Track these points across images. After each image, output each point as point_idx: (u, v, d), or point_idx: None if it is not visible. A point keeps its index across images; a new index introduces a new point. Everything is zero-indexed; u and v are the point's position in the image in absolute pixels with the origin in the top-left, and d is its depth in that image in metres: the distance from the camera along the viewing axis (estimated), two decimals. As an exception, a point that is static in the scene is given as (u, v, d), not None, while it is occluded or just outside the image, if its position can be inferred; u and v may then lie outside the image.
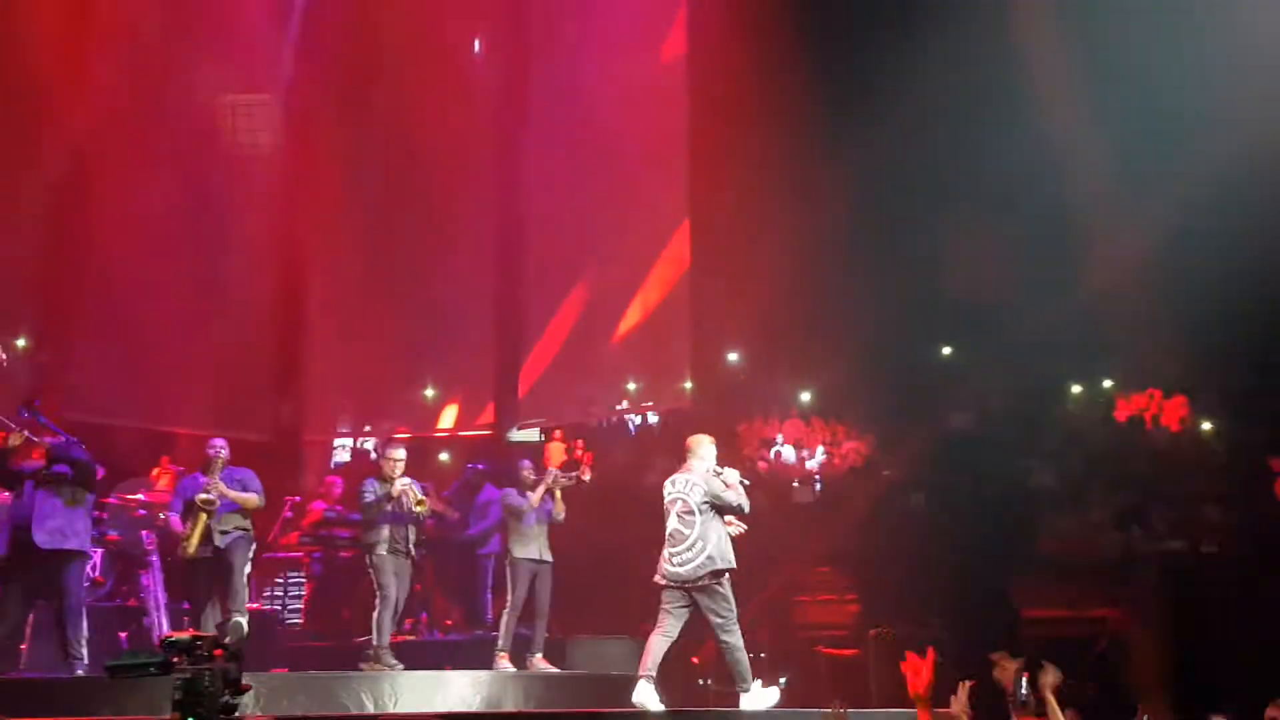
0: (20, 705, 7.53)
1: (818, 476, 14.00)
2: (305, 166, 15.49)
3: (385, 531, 9.32)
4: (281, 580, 11.84)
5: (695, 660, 12.31)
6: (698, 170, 14.29)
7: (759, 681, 8.26)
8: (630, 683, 10.17)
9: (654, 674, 8.06)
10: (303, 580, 11.85)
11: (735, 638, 8.09)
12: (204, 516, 8.92)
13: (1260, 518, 12.67)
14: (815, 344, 13.81)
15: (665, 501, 8.15)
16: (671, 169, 14.49)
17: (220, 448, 9.23)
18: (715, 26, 14.32)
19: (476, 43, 16.51)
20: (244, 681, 4.68)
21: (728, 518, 8.18)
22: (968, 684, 5.51)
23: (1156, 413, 13.34)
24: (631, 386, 15.21)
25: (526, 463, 10.35)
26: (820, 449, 14.10)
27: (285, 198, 15.46)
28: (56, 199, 13.98)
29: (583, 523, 10.70)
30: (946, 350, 14.41)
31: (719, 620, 8.03)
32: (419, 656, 9.83)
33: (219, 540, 8.96)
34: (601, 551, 12.46)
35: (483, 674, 9.31)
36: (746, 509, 8.22)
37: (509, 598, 9.92)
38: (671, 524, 8.07)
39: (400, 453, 9.59)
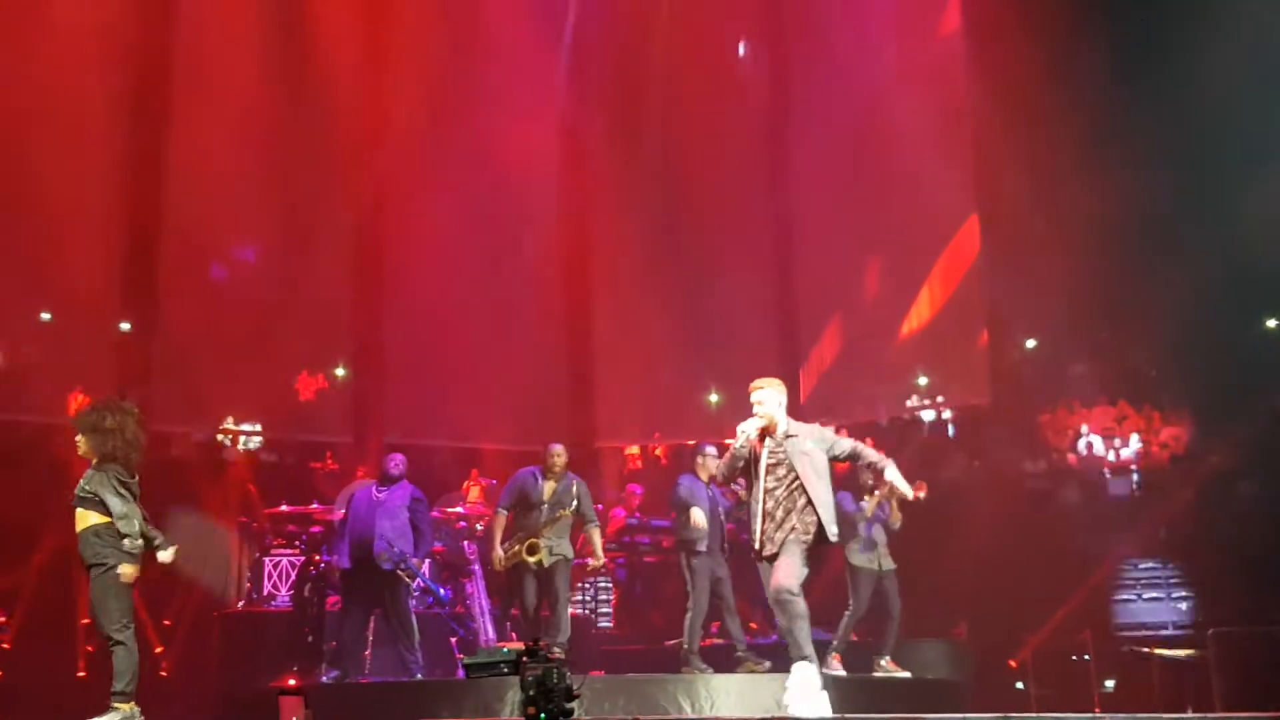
0: (368, 707, 7.97)
1: (1134, 467, 13.16)
2: (582, 186, 15.88)
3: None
4: (590, 585, 12.10)
5: (1013, 664, 11.83)
6: (982, 150, 13.68)
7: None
8: (948, 687, 9.87)
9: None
10: (610, 586, 12.06)
11: None
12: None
13: None
14: (1120, 326, 12.97)
15: None
16: (953, 152, 13.93)
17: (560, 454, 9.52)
18: (990, -3, 13.70)
19: (741, 45, 16.46)
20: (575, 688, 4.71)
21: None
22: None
23: None
24: (922, 381, 14.73)
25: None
26: (1135, 438, 13.25)
27: (566, 218, 15.89)
28: (360, 235, 14.91)
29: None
30: (1272, 322, 13.21)
31: None
32: (730, 660, 9.80)
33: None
34: (900, 553, 12.12)
35: (796, 677, 9.15)
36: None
37: (850, 602, 9.84)
38: None
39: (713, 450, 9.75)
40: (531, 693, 4.45)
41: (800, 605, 7.10)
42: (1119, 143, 12.53)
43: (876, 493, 9.87)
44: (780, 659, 10.01)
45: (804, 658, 7.11)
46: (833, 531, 7.23)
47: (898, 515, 10.01)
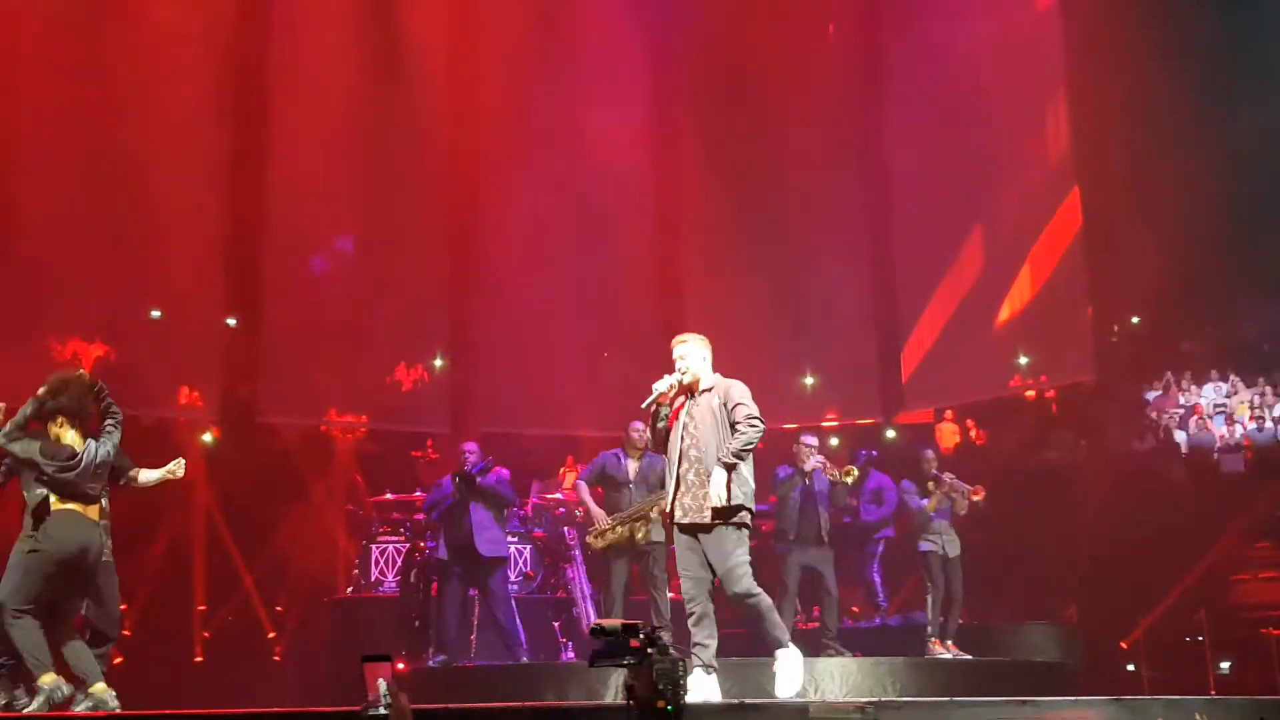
0: (474, 691, 8.10)
1: (1246, 444, 12.79)
2: (673, 173, 15.86)
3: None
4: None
5: (1125, 645, 11.61)
6: (1081, 124, 13.35)
7: None
8: (1058, 670, 9.71)
9: None
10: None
11: None
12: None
13: None
14: (1229, 299, 12.61)
15: None
16: (1052, 126, 13.64)
17: (641, 430, 9.17)
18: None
19: (830, 28, 16.28)
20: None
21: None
22: None
23: None
24: (1023, 361, 14.45)
25: (929, 452, 10.32)
26: (1246, 413, 12.89)
27: (657, 205, 15.89)
28: (455, 227, 15.10)
29: (985, 506, 10.32)
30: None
31: None
32: (818, 646, 9.75)
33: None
34: (1006, 534, 11.97)
35: (898, 660, 9.11)
36: None
37: (929, 587, 9.87)
38: None
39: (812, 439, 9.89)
40: (661, 685, 4.40)
41: (764, 600, 6.58)
42: (1225, 110, 12.19)
43: (936, 493, 10.04)
44: (873, 642, 10.04)
45: (782, 645, 6.65)
46: (735, 495, 6.41)
47: (963, 504, 10.11)
